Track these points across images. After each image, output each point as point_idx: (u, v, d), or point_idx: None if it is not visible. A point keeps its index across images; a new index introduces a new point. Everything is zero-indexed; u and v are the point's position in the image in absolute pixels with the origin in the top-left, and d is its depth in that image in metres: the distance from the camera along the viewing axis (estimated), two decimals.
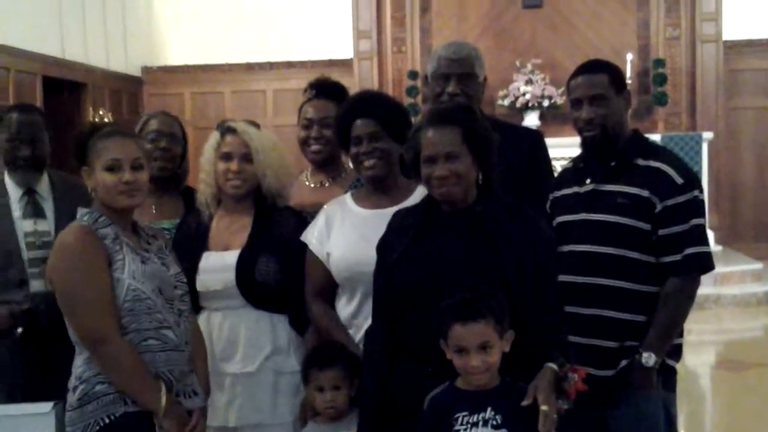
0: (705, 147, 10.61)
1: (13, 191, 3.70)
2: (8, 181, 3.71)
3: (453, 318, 2.51)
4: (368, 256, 2.87)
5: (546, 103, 11.14)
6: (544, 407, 2.45)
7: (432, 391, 2.58)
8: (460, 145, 2.68)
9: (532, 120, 11.07)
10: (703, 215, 3.11)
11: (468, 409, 2.51)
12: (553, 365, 2.55)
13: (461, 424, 2.50)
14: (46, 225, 3.65)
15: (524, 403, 2.48)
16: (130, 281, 2.78)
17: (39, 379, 3.45)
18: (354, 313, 3.14)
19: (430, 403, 2.56)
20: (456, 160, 2.66)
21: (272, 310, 3.25)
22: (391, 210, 2.97)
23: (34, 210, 3.68)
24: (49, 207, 3.70)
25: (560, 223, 3.25)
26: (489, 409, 2.50)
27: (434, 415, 2.54)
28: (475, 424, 2.49)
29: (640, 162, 3.13)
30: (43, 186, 3.74)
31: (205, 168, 3.36)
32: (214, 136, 3.36)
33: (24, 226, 3.64)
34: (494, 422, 2.48)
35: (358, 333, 3.07)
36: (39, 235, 3.62)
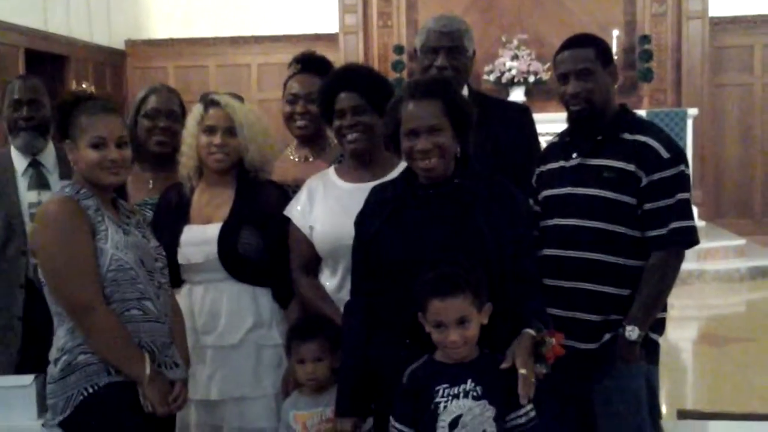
0: (690, 123, 10.67)
1: (19, 163, 3.75)
2: (14, 151, 3.77)
3: (431, 293, 2.50)
4: (351, 229, 2.86)
5: (532, 78, 11.15)
6: (522, 371, 2.46)
7: (411, 365, 2.58)
8: (443, 117, 2.67)
9: (517, 95, 11.08)
10: (688, 190, 3.11)
11: (448, 381, 2.51)
12: (530, 331, 2.56)
13: (442, 396, 2.50)
14: (50, 197, 3.65)
15: (503, 366, 2.49)
16: (114, 251, 2.78)
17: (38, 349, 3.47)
18: (338, 288, 3.14)
19: (409, 377, 2.57)
20: (439, 133, 2.66)
21: (254, 283, 3.24)
22: (374, 184, 2.96)
23: (39, 181, 3.74)
24: (54, 179, 3.76)
25: (546, 197, 3.25)
26: (469, 380, 2.50)
27: (415, 388, 2.55)
28: (456, 396, 2.50)
29: (627, 136, 3.12)
30: (49, 158, 3.81)
31: (187, 141, 3.33)
32: (198, 109, 3.33)
33: (29, 197, 3.71)
34: (474, 393, 2.49)
35: (342, 308, 3.06)
36: None
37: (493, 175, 2.81)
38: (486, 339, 2.57)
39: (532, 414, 2.51)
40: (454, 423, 2.48)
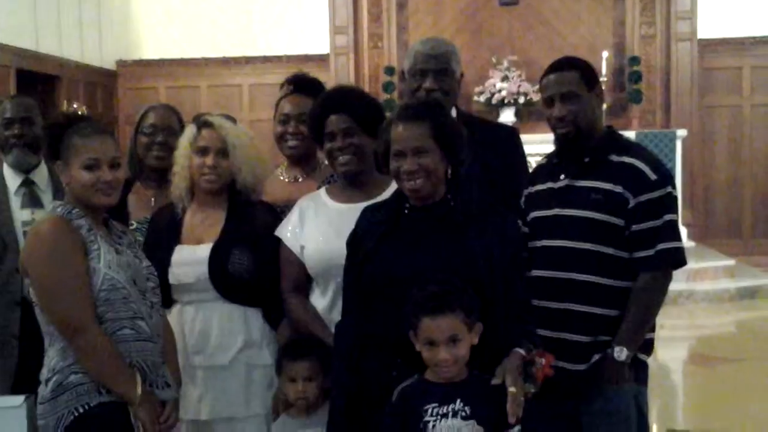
0: (679, 144, 10.72)
1: (12, 181, 3.77)
2: (6, 170, 3.79)
3: (422, 311, 2.52)
4: (342, 249, 2.88)
5: (521, 99, 11.20)
6: (512, 389, 2.48)
7: (401, 384, 2.59)
8: (429, 140, 2.69)
9: (507, 116, 11.12)
10: (675, 211, 3.13)
11: (437, 400, 2.53)
12: (520, 350, 2.58)
13: (431, 416, 2.51)
14: (43, 215, 3.67)
15: (493, 382, 2.51)
16: (106, 271, 2.79)
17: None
18: (328, 308, 3.14)
19: (399, 395, 2.58)
20: (424, 155, 2.68)
21: (245, 303, 3.25)
22: (366, 205, 2.98)
23: (32, 200, 3.76)
24: (47, 198, 3.78)
25: (534, 219, 3.26)
26: (458, 400, 2.52)
27: (404, 406, 2.56)
28: (445, 415, 2.51)
29: (614, 158, 3.14)
30: (42, 177, 3.84)
31: (179, 161, 3.34)
32: (190, 130, 3.35)
33: (22, 215, 3.73)
34: (463, 413, 2.50)
35: (333, 328, 3.06)
36: None
37: (484, 197, 2.83)
38: (476, 360, 2.59)
39: None
40: None
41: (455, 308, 2.52)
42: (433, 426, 2.50)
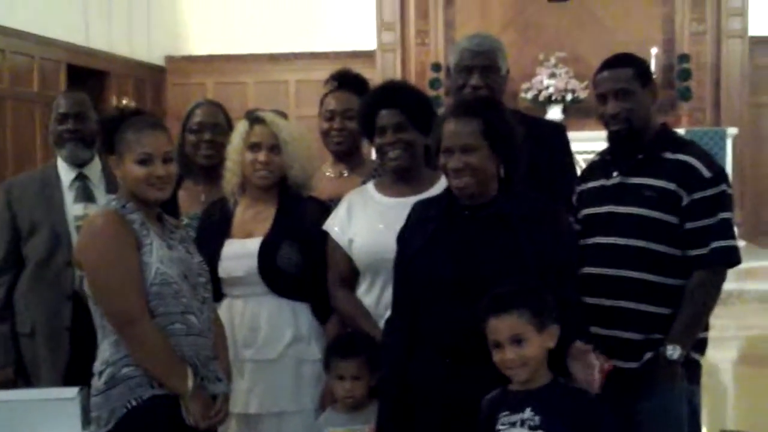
0: (729, 142, 10.60)
1: (66, 176, 3.81)
2: (60, 165, 3.82)
3: (487, 312, 2.50)
4: (391, 243, 2.87)
5: (569, 96, 11.11)
6: (607, 364, 2.51)
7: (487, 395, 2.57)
8: (479, 138, 2.66)
9: (554, 114, 11.04)
10: (730, 209, 3.09)
11: (509, 408, 2.49)
12: (583, 344, 2.57)
13: (502, 424, 2.48)
14: (96, 210, 3.71)
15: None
16: (158, 265, 2.80)
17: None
18: (375, 302, 3.15)
19: (483, 407, 2.55)
20: (472, 153, 2.65)
21: (294, 297, 3.26)
22: (414, 199, 2.97)
23: (85, 194, 3.79)
24: (100, 193, 3.80)
25: (587, 216, 3.24)
26: (528, 409, 2.46)
27: (483, 416, 2.54)
28: (513, 424, 2.46)
29: (668, 155, 3.11)
30: (95, 172, 3.86)
31: (232, 157, 3.35)
32: (243, 126, 3.36)
33: (75, 209, 3.76)
34: (532, 423, 2.44)
35: (380, 323, 3.06)
36: None
37: (538, 196, 2.80)
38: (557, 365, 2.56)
39: None
40: None
41: (519, 307, 2.47)
42: None
